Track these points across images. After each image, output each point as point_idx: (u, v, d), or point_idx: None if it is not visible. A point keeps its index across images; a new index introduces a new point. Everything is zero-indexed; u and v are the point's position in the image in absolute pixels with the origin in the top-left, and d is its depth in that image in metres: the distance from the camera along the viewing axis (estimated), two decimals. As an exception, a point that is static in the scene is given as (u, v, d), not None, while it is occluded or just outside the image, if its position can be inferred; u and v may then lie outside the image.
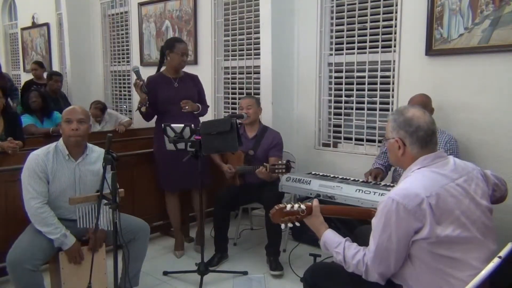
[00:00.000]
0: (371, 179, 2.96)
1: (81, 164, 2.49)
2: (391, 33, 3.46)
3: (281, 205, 1.78)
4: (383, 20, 3.50)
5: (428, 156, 1.63)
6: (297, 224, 1.79)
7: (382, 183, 2.92)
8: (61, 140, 2.47)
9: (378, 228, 1.55)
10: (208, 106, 3.58)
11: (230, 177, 3.32)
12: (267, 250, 3.18)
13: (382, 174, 3.04)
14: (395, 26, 3.41)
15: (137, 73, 3.20)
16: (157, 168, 3.44)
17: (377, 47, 3.54)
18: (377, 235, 1.56)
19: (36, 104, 4.44)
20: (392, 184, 2.87)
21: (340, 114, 3.88)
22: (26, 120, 4.35)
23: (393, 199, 1.52)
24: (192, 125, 2.86)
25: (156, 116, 3.41)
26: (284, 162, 2.97)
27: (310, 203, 1.80)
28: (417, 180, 1.57)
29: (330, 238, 1.73)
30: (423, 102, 2.83)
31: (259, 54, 4.07)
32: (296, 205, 1.77)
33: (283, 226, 1.80)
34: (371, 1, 3.55)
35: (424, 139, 1.63)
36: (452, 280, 1.52)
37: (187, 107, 3.27)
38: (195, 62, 4.81)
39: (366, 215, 1.91)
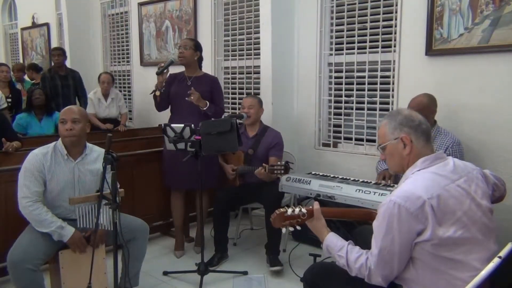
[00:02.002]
0: (384, 181, 2.91)
1: (80, 164, 2.49)
2: (391, 33, 3.46)
3: (281, 210, 1.77)
4: (383, 20, 3.50)
5: (428, 158, 1.63)
6: (298, 228, 1.79)
7: (383, 183, 2.92)
8: (60, 140, 2.48)
9: (380, 232, 1.55)
10: (222, 110, 3.51)
11: (231, 178, 3.32)
12: (266, 249, 3.19)
13: (394, 176, 2.96)
14: (395, 26, 3.41)
15: (169, 62, 3.25)
16: (164, 166, 3.44)
17: (377, 47, 3.54)
18: (379, 239, 1.55)
19: (39, 101, 4.43)
20: (392, 185, 2.86)
21: (340, 114, 3.88)
22: (21, 120, 4.39)
23: (394, 202, 1.51)
24: (192, 125, 2.86)
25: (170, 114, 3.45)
26: (283, 163, 2.97)
27: (311, 207, 1.79)
28: (418, 182, 1.56)
29: (333, 241, 1.72)
30: (421, 104, 2.78)
31: (259, 54, 4.07)
32: (297, 209, 1.76)
33: (284, 230, 1.80)
34: (371, 1, 3.54)
35: (427, 132, 1.66)
36: (453, 281, 1.52)
37: (192, 97, 3.20)
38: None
39: (367, 217, 1.90)
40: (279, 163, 3.01)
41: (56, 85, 5.04)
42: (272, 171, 2.96)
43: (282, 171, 2.95)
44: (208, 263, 3.07)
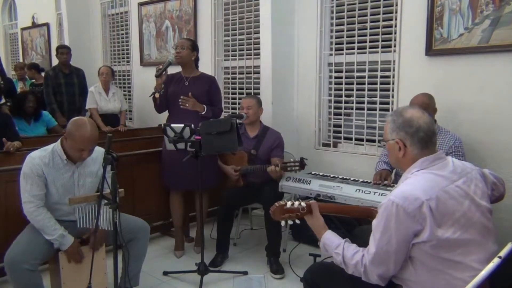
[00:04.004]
0: (380, 181, 2.90)
1: (80, 167, 2.47)
2: (391, 33, 3.46)
3: (281, 202, 1.79)
4: (383, 20, 3.49)
5: (427, 158, 1.63)
6: (297, 221, 1.80)
7: (381, 183, 2.91)
8: (59, 144, 2.42)
9: (378, 231, 1.55)
10: (221, 110, 3.51)
11: (234, 179, 3.31)
12: (267, 251, 3.18)
13: (391, 176, 2.97)
14: (395, 26, 3.41)
15: (167, 63, 3.24)
16: (163, 166, 3.44)
17: (377, 47, 3.54)
18: (377, 238, 1.56)
19: (32, 109, 4.44)
20: (392, 185, 2.86)
21: (340, 114, 3.88)
22: None
23: (393, 201, 1.52)
24: (192, 125, 2.86)
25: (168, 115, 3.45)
26: (298, 159, 3.01)
27: (310, 201, 1.81)
28: (417, 182, 1.56)
29: (330, 239, 1.73)
30: (424, 103, 2.81)
31: (259, 54, 4.07)
32: (296, 203, 1.78)
33: (283, 223, 1.81)
34: (371, 1, 3.54)
35: (424, 139, 1.62)
36: (452, 281, 1.52)
37: (187, 105, 3.22)
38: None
39: (366, 213, 1.91)
40: (291, 160, 3.06)
41: (60, 83, 5.03)
42: (285, 168, 3.01)
43: (297, 168, 2.99)
44: (211, 263, 3.10)
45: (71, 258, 2.39)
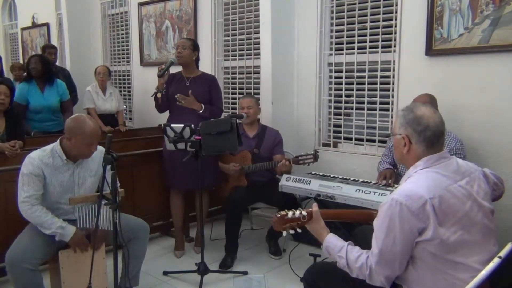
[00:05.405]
0: (384, 181, 2.89)
1: (79, 166, 2.47)
2: (391, 33, 3.46)
3: (282, 213, 1.79)
4: (383, 20, 3.49)
5: (432, 157, 1.62)
6: (299, 230, 1.79)
7: (383, 182, 2.91)
8: (58, 145, 2.42)
9: (382, 230, 1.54)
10: (221, 110, 3.50)
11: (236, 174, 3.30)
12: (268, 233, 3.39)
13: (395, 175, 2.96)
14: (395, 26, 3.41)
15: (170, 63, 3.26)
16: (164, 166, 3.44)
17: (377, 47, 3.54)
18: (380, 238, 1.54)
19: (36, 71, 4.20)
20: (393, 185, 2.86)
21: (340, 114, 3.88)
22: (23, 90, 4.17)
23: (396, 200, 1.51)
24: (192, 125, 2.86)
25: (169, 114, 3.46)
26: (312, 152, 3.11)
27: (310, 209, 1.80)
28: (420, 181, 1.56)
29: (332, 242, 1.72)
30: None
31: (259, 54, 4.07)
32: (297, 212, 1.77)
33: (284, 233, 1.80)
34: (371, 1, 3.54)
35: (431, 139, 1.61)
36: (453, 281, 1.52)
37: (182, 102, 3.22)
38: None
39: (367, 217, 1.90)
40: (303, 153, 3.16)
41: None
42: (297, 162, 3.11)
43: (312, 160, 3.10)
44: (222, 264, 3.14)
45: (76, 246, 2.39)
